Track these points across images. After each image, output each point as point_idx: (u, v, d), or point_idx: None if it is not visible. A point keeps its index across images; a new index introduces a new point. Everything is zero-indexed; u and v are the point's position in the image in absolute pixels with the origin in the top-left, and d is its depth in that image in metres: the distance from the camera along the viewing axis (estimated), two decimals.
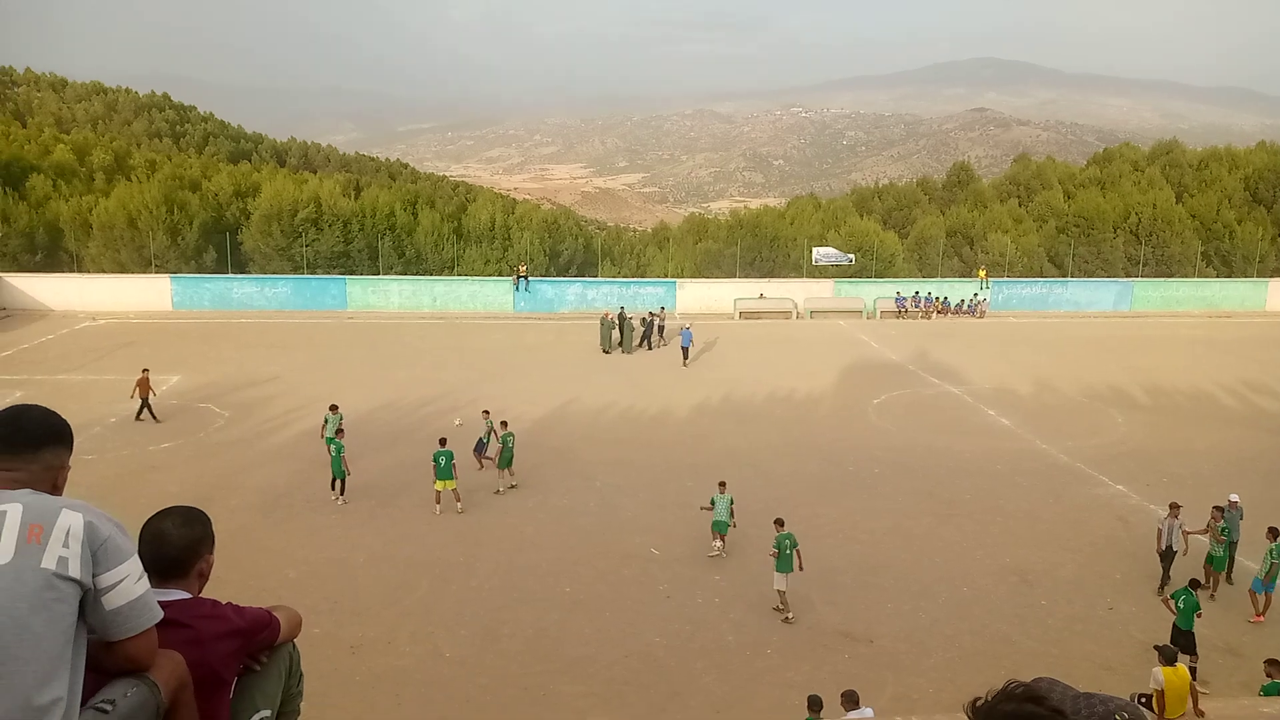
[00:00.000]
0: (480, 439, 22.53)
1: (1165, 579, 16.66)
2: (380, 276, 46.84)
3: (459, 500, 19.79)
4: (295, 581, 16.46)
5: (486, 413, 23.31)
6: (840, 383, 32.01)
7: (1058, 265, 53.05)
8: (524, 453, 22.86)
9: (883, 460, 23.73)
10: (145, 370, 26.21)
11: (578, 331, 39.96)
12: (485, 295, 45.60)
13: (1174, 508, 17.09)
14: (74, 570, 2.40)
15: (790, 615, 15.49)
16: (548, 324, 42.19)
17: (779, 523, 16.25)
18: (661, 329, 38.14)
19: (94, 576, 2.45)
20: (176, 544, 2.87)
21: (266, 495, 20.61)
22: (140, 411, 25.85)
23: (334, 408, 22.79)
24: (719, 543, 17.86)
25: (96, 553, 2.46)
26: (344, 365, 32.93)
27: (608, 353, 36.31)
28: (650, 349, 36.96)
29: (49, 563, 2.37)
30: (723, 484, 18.40)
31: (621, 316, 37.62)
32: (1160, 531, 16.99)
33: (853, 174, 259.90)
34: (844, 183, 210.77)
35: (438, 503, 19.78)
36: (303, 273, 46.63)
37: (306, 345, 36.66)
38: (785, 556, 15.68)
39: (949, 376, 32.90)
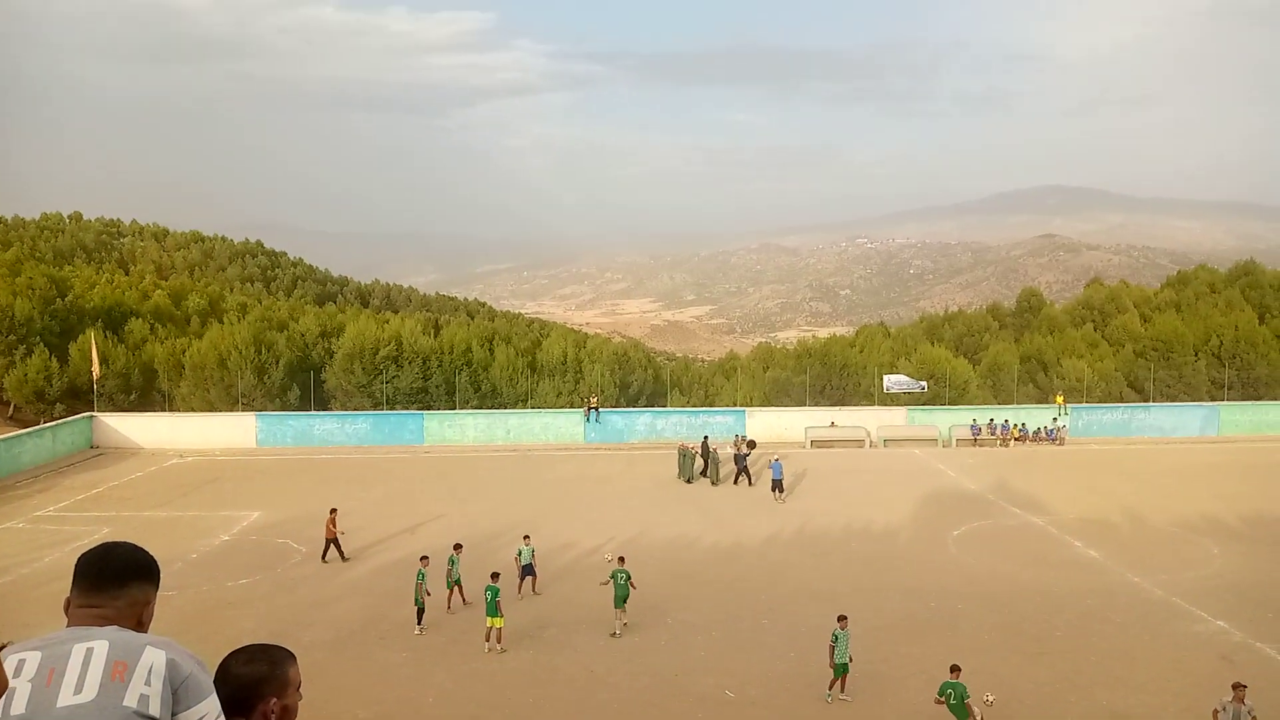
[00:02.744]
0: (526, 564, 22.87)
1: None
2: (456, 411, 47.63)
3: (500, 641, 19.29)
4: None
5: (527, 537, 23.54)
6: (918, 513, 31.14)
7: (1138, 390, 51.64)
8: (591, 587, 22.50)
9: (966, 595, 22.78)
10: (333, 510, 26.25)
11: (647, 462, 39.83)
12: (557, 427, 45.96)
13: (1238, 689, 14.17)
14: (154, 708, 2.45)
15: None
16: (618, 454, 42.18)
17: (955, 669, 15.11)
18: (739, 458, 36.22)
19: (174, 715, 2.50)
20: (233, 682, 2.86)
21: (340, 631, 20.56)
22: (326, 551, 25.74)
23: (458, 547, 22.73)
24: (838, 687, 16.97)
25: (178, 690, 2.52)
26: (419, 499, 33.18)
27: (689, 482, 35.90)
28: (716, 483, 35.57)
29: (131, 701, 2.42)
30: (843, 618, 17.30)
31: (705, 446, 37.04)
32: (1216, 712, 14.25)
33: (920, 302, 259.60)
34: (912, 311, 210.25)
35: (486, 640, 19.46)
36: (382, 408, 47.70)
37: (383, 480, 37.14)
38: (954, 707, 14.49)
39: (1031, 506, 31.80)
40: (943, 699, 14.75)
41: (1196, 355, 51.66)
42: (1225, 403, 48.36)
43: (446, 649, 19.63)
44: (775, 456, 34.26)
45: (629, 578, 20.58)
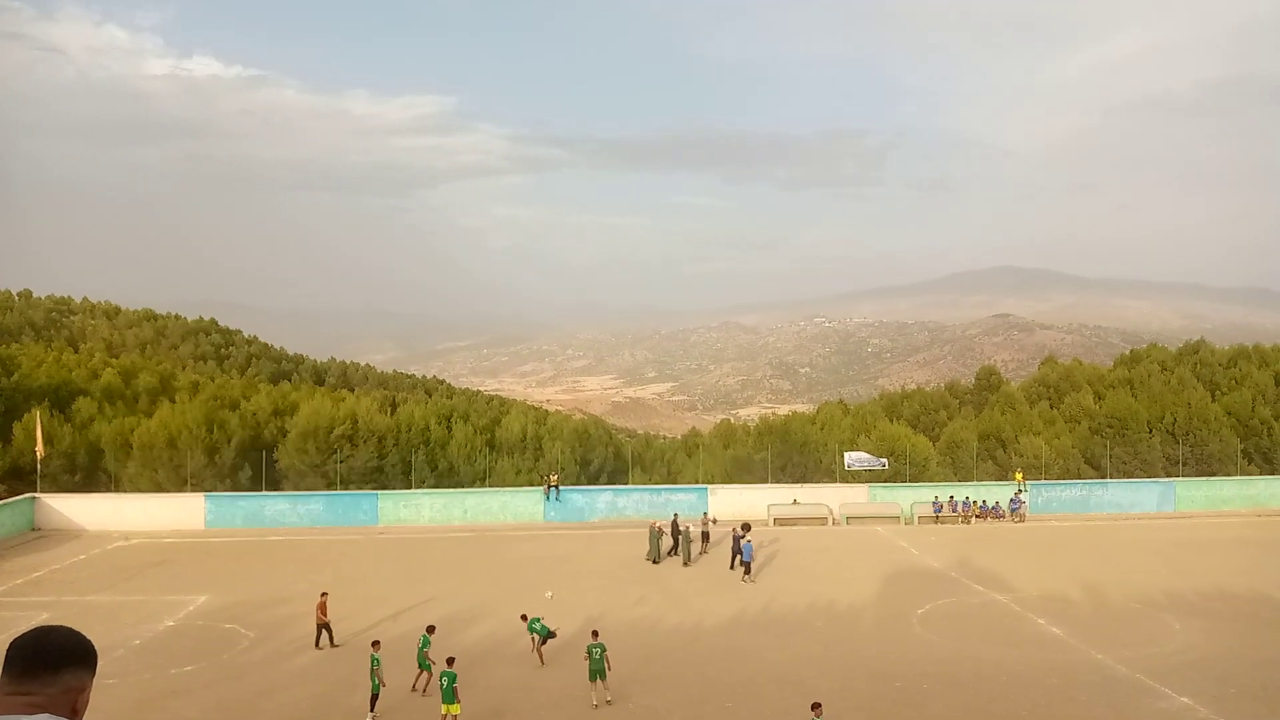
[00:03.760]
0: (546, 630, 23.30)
1: None
2: (412, 490, 46.91)
3: None
4: None
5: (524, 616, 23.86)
6: (882, 591, 30.97)
7: (1095, 466, 52.30)
8: (552, 672, 22.10)
9: (931, 675, 22.56)
10: (324, 595, 25.44)
11: (608, 541, 39.37)
12: (516, 506, 45.38)
13: None
14: None
15: None
16: (578, 534, 41.66)
17: None
18: (706, 536, 37.13)
19: None
20: None
21: None
22: (319, 638, 24.87)
23: (430, 629, 22.31)
24: None
25: None
26: (373, 582, 32.42)
27: (655, 563, 35.44)
28: (688, 562, 35.26)
29: None
30: (817, 706, 17.14)
31: (675, 525, 36.60)
32: None
33: (879, 380, 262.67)
34: (871, 388, 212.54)
35: None
36: (336, 488, 46.85)
37: (336, 561, 36.27)
38: None
39: (993, 583, 31.78)
40: None
41: (1151, 432, 52.56)
42: (1181, 478, 49.08)
43: None
44: (746, 538, 33.82)
45: (604, 652, 20.45)
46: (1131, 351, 76.25)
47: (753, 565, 32.79)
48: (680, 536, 35.84)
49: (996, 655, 23.97)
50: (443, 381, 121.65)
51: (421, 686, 21.19)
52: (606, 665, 20.40)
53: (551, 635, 23.46)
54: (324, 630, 24.92)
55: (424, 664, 21.24)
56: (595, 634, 21.26)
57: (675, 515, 37.91)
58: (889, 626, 26.96)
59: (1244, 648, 24.43)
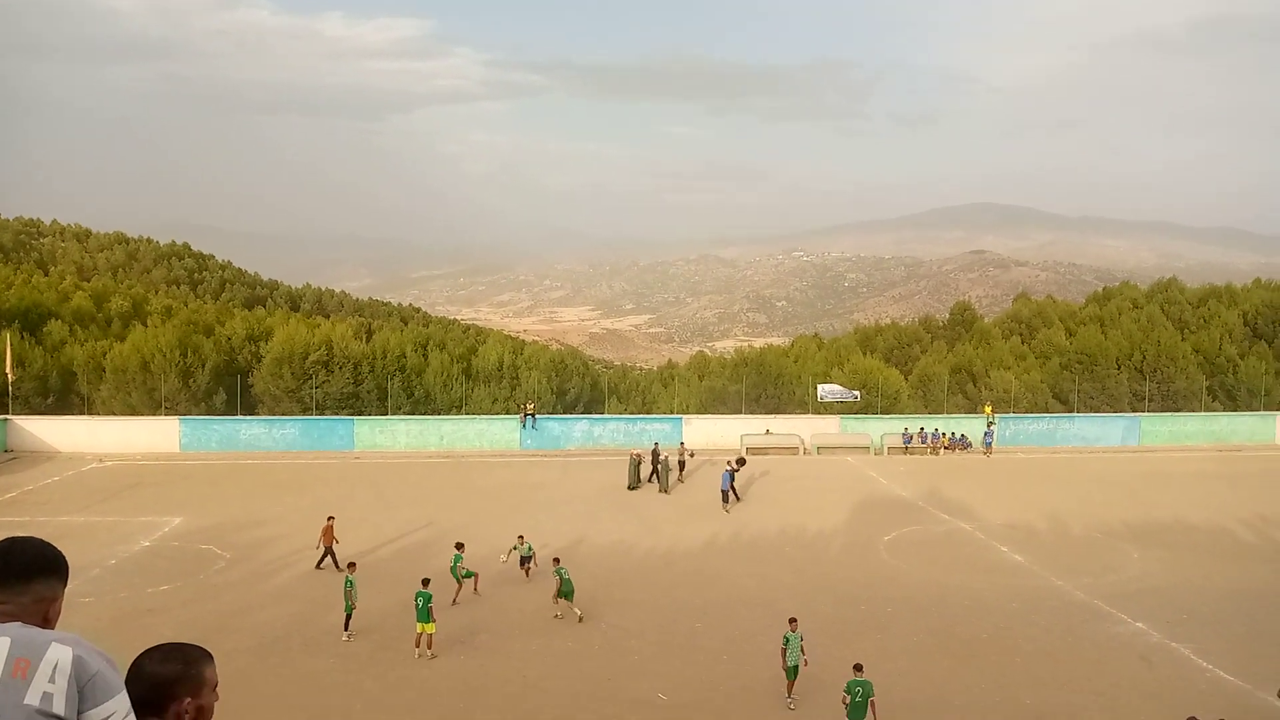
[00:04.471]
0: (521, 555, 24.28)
1: None
2: (388, 416, 47.00)
3: (430, 647, 19.09)
4: None
5: (521, 538, 24.81)
6: (850, 519, 31.56)
7: (1063, 401, 53.05)
8: (526, 593, 22.55)
9: (896, 599, 23.13)
10: (330, 518, 25.51)
11: (584, 469, 39.74)
12: (492, 434, 45.61)
13: None
14: (58, 706, 2.34)
15: None
16: (554, 461, 42.01)
17: (858, 668, 15.22)
18: (682, 465, 37.60)
19: (80, 713, 2.37)
20: (147, 680, 2.74)
21: (264, 638, 20.09)
22: (322, 559, 24.96)
23: (459, 545, 23.36)
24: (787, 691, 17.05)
25: (84, 688, 2.40)
26: (349, 505, 32.63)
27: (633, 488, 35.83)
28: (667, 490, 35.59)
29: (33, 699, 2.31)
30: (793, 620, 17.36)
31: (656, 454, 36.97)
32: None
33: (855, 314, 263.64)
34: (846, 323, 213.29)
35: (416, 645, 19.22)
36: (311, 414, 46.83)
37: (312, 486, 36.46)
38: (857, 705, 14.65)
39: (959, 512, 32.43)
40: (848, 695, 14.86)
41: (1119, 368, 53.26)
42: (1146, 414, 49.95)
43: (375, 655, 19.30)
44: (726, 466, 34.02)
45: (567, 573, 21.54)
46: (1104, 289, 76.82)
47: (728, 494, 33.10)
48: (659, 465, 36.24)
49: (960, 581, 24.57)
50: (419, 309, 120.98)
51: (471, 590, 22.76)
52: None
53: (529, 559, 24.31)
54: (329, 554, 25.01)
55: (459, 578, 22.53)
56: (556, 560, 22.34)
57: (655, 444, 38.32)
58: (856, 553, 27.53)
59: (1199, 577, 25.16)
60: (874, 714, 14.87)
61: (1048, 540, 29.06)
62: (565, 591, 21.30)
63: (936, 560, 26.74)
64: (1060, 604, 22.86)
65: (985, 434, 45.37)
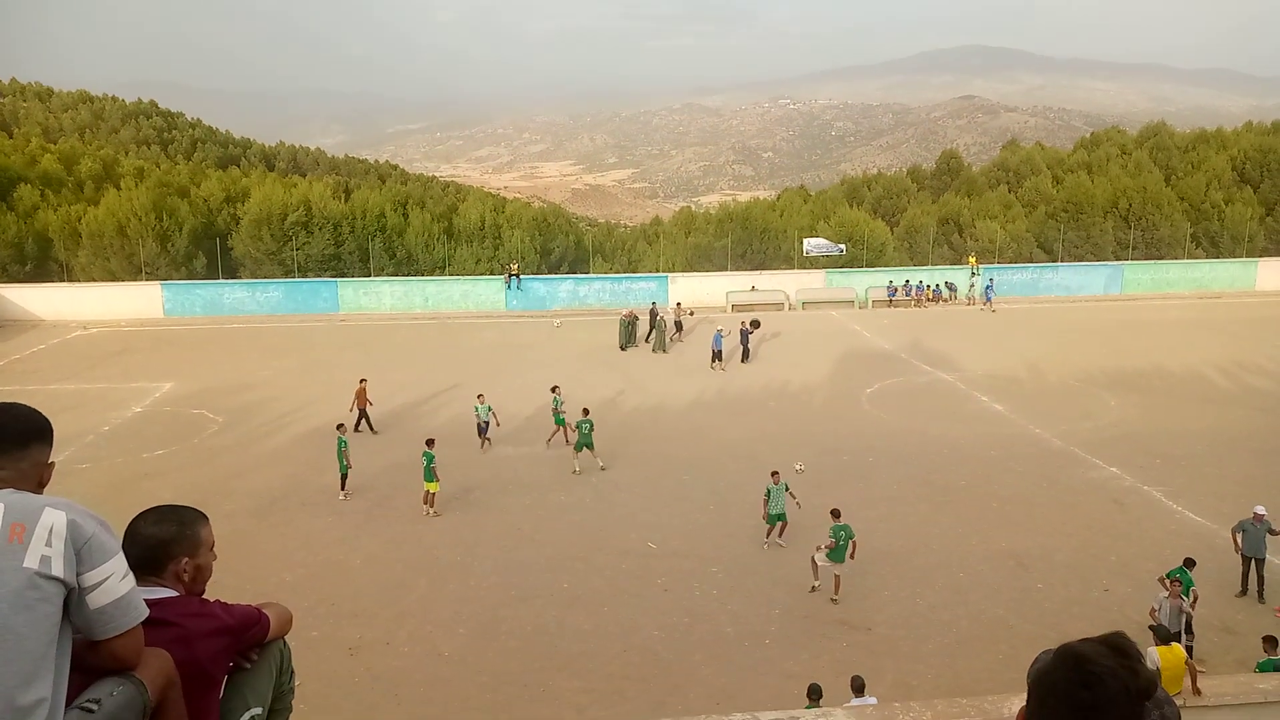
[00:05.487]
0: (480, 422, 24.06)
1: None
2: (372, 278, 46.79)
3: (432, 506, 19.63)
4: (292, 585, 16.45)
5: (480, 396, 24.43)
6: (834, 373, 32.06)
7: (1047, 250, 53.14)
8: (518, 451, 23.12)
9: (877, 449, 23.78)
10: (363, 380, 25.59)
11: (570, 328, 39.95)
12: (477, 295, 45.60)
13: (1172, 584, 13.59)
14: (57, 569, 2.37)
15: (836, 597, 15.74)
16: (540, 322, 42.17)
17: (835, 514, 16.21)
18: (679, 325, 37.73)
19: (78, 575, 2.41)
20: (143, 542, 2.81)
21: (262, 499, 20.60)
22: (359, 423, 25.07)
23: (555, 389, 24.54)
24: (777, 534, 17.99)
25: (80, 551, 2.42)
26: (337, 368, 32.87)
27: (625, 350, 36.10)
28: (666, 349, 35.87)
29: (31, 562, 2.34)
30: (775, 473, 18.03)
31: (654, 313, 37.00)
32: (1154, 610, 13.46)
33: (842, 165, 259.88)
34: (833, 174, 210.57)
35: (424, 504, 19.75)
36: (294, 277, 46.55)
37: (299, 349, 36.61)
38: (840, 548, 15.77)
39: (941, 364, 32.96)
40: (833, 540, 15.65)
41: (1104, 216, 53.12)
42: (1129, 262, 50.19)
43: (372, 513, 19.85)
44: (718, 328, 33.94)
45: (592, 428, 22.12)
46: (1092, 135, 75.80)
47: (722, 354, 33.31)
48: (656, 325, 36.40)
49: (940, 430, 25.21)
50: (396, 167, 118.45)
51: (561, 440, 23.72)
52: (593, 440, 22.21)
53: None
54: (364, 416, 25.22)
55: (560, 420, 23.92)
56: (585, 411, 22.70)
57: (654, 303, 38.56)
58: (839, 405, 28.12)
59: (1173, 421, 25.89)
60: (853, 556, 15.72)
61: (1028, 389, 29.68)
62: (585, 443, 21.99)
63: (918, 411, 27.35)
64: (1037, 450, 23.56)
65: (986, 287, 45.15)
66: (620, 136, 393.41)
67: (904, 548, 17.84)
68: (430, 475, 19.48)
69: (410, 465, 21.48)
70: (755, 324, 35.23)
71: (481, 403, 24.06)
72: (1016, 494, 20.63)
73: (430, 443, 19.92)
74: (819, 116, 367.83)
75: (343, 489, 20.69)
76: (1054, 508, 19.80)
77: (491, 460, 23.23)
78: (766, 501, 17.78)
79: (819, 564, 15.93)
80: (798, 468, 18.88)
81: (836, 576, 15.77)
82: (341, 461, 20.55)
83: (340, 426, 21.60)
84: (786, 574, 16.74)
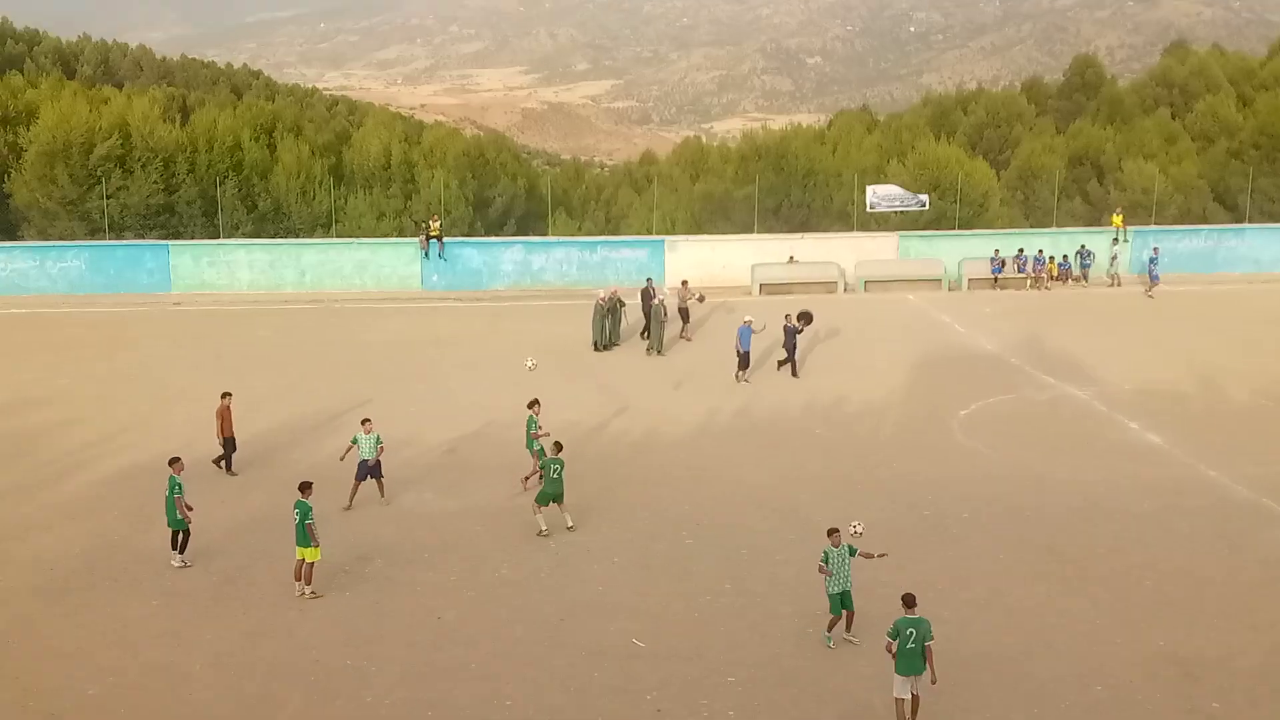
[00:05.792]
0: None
1: None
2: (221, 241, 46.66)
3: (309, 582, 19.44)
4: (98, 701, 16.32)
5: (366, 422, 23.75)
6: (911, 386, 32.10)
7: (1228, 207, 53.36)
8: (442, 500, 23.02)
9: (975, 499, 23.79)
10: (226, 395, 25.30)
11: (518, 316, 39.87)
12: (379, 266, 45.51)
13: None
14: None
15: None
16: (474, 307, 42.10)
17: (909, 601, 15.28)
18: (685, 315, 37.73)
19: None
20: None
21: (54, 572, 20.42)
22: (223, 457, 25.36)
23: (534, 404, 24.58)
24: (839, 626, 17.62)
25: None
26: (168, 374, 32.72)
27: (603, 350, 36.26)
28: (661, 351, 36.18)
29: None
30: (834, 532, 17.66)
31: (647, 296, 37.00)
32: None
33: (924, 76, 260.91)
34: (912, 89, 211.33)
35: (296, 578, 19.56)
36: (104, 238, 46.37)
37: (111, 346, 36.44)
38: (909, 651, 14.86)
39: (1071, 373, 33.04)
40: (893, 639, 15.07)
41: None
42: None
43: (221, 592, 19.71)
44: (745, 318, 33.52)
45: (563, 469, 21.94)
46: None
47: (746, 359, 33.15)
48: (653, 314, 36.35)
49: (1068, 473, 25.22)
50: (258, 73, 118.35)
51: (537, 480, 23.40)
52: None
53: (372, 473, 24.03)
54: (229, 447, 25.31)
55: (540, 451, 23.72)
56: (558, 446, 22.47)
57: (649, 281, 38.18)
58: (918, 434, 28.16)
59: None
60: (931, 665, 15.18)
61: (1197, 411, 29.79)
62: (551, 493, 21.86)
63: (1034, 443, 27.40)
64: (1213, 503, 23.59)
65: (1151, 261, 45.02)
66: (594, 32, 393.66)
67: (1015, 649, 17.81)
68: (306, 537, 19.28)
69: (278, 521, 21.35)
70: (807, 318, 34.78)
71: (367, 431, 23.45)
72: (1181, 569, 20.64)
73: (306, 488, 19.73)
74: (891, 4, 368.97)
75: (181, 552, 20.51)
76: (1238, 589, 19.80)
77: (399, 515, 23.13)
78: (823, 571, 17.46)
79: (897, 690, 15.30)
80: (854, 528, 17.76)
81: (915, 696, 15.32)
82: (173, 514, 20.36)
83: (175, 462, 21.22)
84: (847, 686, 16.64)
